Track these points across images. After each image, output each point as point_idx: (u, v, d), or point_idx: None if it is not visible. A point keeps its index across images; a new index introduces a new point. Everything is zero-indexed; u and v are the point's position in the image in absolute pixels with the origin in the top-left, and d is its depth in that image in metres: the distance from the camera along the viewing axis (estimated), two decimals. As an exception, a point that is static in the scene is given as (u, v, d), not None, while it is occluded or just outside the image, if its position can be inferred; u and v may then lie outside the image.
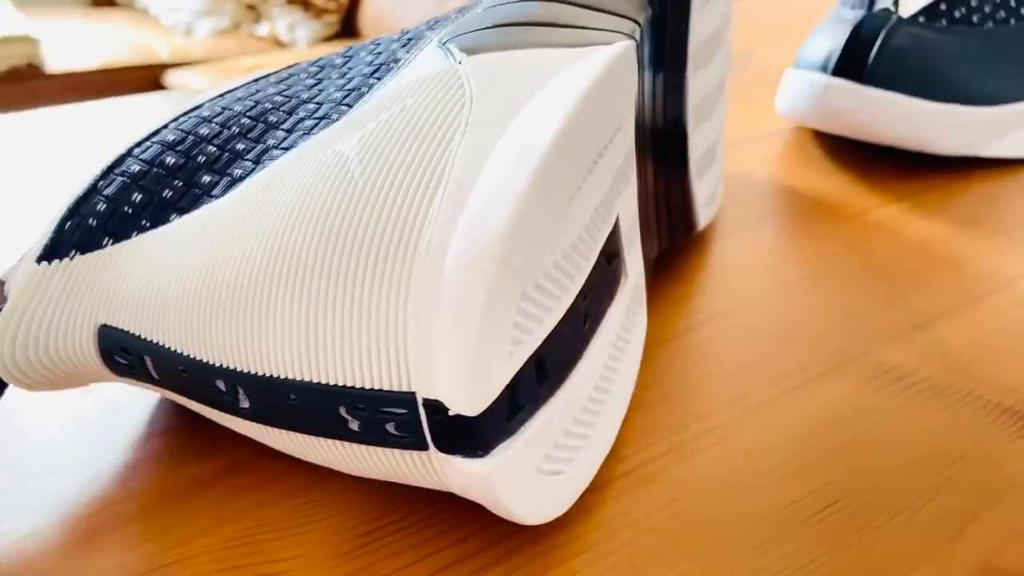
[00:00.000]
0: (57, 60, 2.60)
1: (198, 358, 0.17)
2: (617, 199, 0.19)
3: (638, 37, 0.21)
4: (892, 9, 0.35)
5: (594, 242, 0.18)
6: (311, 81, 0.23)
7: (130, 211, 0.20)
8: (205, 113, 0.22)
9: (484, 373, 0.14)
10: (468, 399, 0.14)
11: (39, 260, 0.19)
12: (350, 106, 0.20)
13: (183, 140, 0.21)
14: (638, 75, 0.22)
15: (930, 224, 0.32)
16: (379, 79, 0.21)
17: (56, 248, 0.19)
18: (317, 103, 0.21)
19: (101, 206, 0.20)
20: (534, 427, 0.16)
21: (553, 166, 0.15)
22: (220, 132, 0.21)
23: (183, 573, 0.17)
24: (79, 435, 0.21)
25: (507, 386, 0.15)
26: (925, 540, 0.18)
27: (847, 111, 0.35)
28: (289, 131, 0.21)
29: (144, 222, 0.19)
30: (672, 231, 0.27)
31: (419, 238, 0.15)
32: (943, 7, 0.35)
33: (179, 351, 0.17)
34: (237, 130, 0.21)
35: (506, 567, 0.18)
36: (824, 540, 0.18)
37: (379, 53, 0.23)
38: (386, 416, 0.15)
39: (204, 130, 0.21)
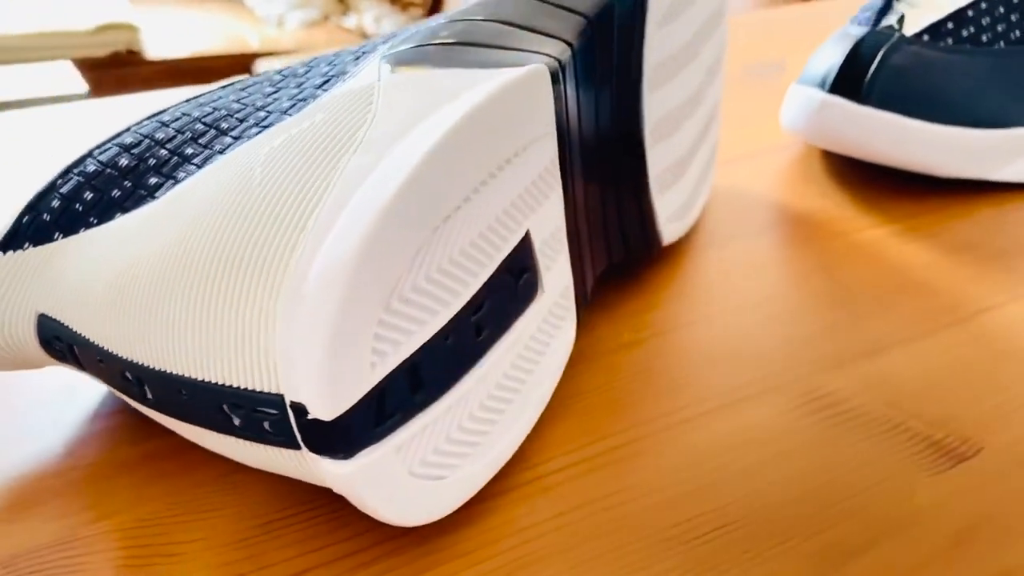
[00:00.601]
0: (155, 47, 2.72)
1: (110, 350, 0.19)
2: (527, 216, 0.20)
3: (566, 59, 0.21)
4: (896, 27, 0.35)
5: (487, 258, 0.19)
6: (269, 89, 0.24)
7: (81, 208, 0.21)
8: (165, 118, 0.23)
9: (338, 381, 0.15)
10: (323, 404, 0.15)
11: (-5, 250, 0.21)
12: (290, 116, 0.21)
13: (139, 143, 0.22)
14: (579, 92, 0.23)
15: (915, 248, 0.32)
16: (325, 91, 0.22)
17: (12, 239, 0.21)
18: (268, 111, 0.22)
19: (55, 203, 0.21)
20: (406, 433, 0.17)
21: (420, 186, 0.16)
22: (174, 137, 0.22)
23: (95, 547, 0.19)
24: (35, 413, 0.23)
25: (374, 393, 0.16)
26: (805, 570, 0.19)
27: (842, 130, 0.34)
28: (236, 137, 0.22)
29: (92, 219, 0.21)
30: (628, 245, 0.27)
31: (294, 249, 0.16)
32: (949, 26, 0.35)
33: (96, 343, 0.19)
34: (189, 135, 0.22)
35: (388, 563, 0.18)
36: (704, 562, 0.19)
37: (334, 64, 0.24)
38: (262, 415, 0.16)
39: (160, 134, 0.22)
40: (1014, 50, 0.34)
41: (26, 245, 0.21)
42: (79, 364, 0.20)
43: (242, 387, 0.16)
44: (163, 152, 0.22)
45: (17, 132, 0.43)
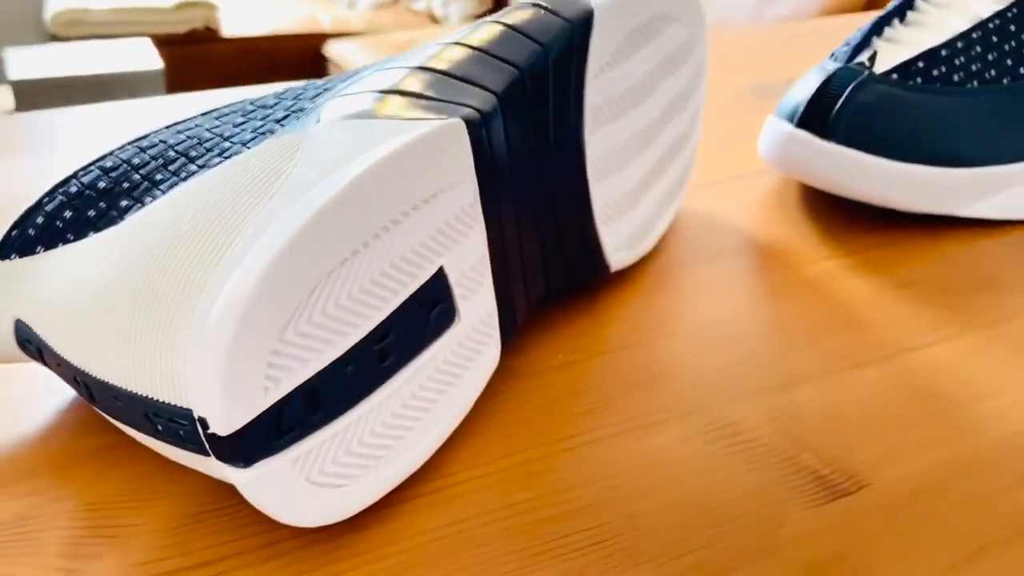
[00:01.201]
0: (231, 26, 2.80)
1: (64, 356, 0.22)
2: (440, 254, 0.22)
3: (491, 109, 0.23)
4: (867, 64, 0.36)
5: (392, 293, 0.21)
6: (240, 119, 0.27)
7: (60, 225, 0.24)
8: (144, 144, 0.26)
9: (232, 402, 0.18)
10: (219, 421, 0.18)
11: (-16, 260, 0.24)
12: (247, 148, 0.24)
13: (117, 167, 0.25)
14: (510, 137, 0.25)
15: (862, 283, 0.33)
16: (282, 126, 0.25)
17: (2, 250, 0.24)
18: (232, 142, 0.25)
19: (40, 219, 0.24)
20: (305, 447, 0.20)
21: (314, 236, 0.19)
22: (148, 163, 0.25)
23: (48, 524, 0.22)
24: (16, 403, 0.26)
25: (271, 412, 0.19)
26: (662, 587, 0.21)
27: (808, 163, 0.35)
28: (201, 166, 0.25)
29: (69, 236, 0.24)
30: (570, 272, 0.29)
31: (204, 287, 0.19)
32: (920, 64, 0.35)
33: (54, 348, 0.22)
34: (162, 162, 0.25)
35: (298, 555, 0.21)
36: (571, 573, 0.21)
37: (298, 99, 0.27)
38: (177, 425, 0.19)
39: (136, 160, 0.25)
40: (984, 89, 0.35)
41: (12, 256, 0.24)
42: (46, 364, 0.23)
43: (161, 400, 0.19)
44: (136, 177, 0.25)
45: (93, 125, 0.47)
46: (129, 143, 0.26)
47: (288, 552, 0.21)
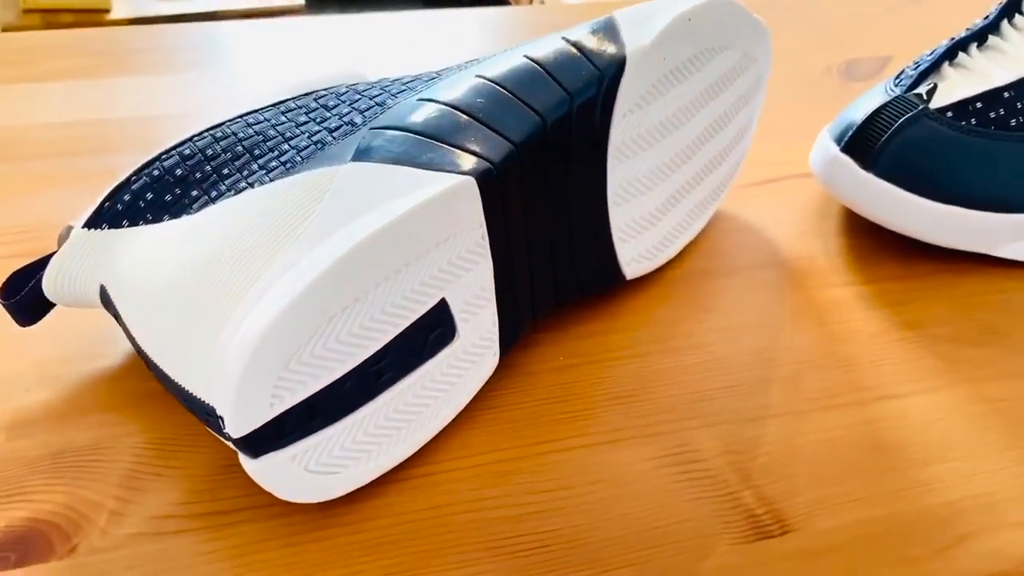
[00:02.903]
0: None
1: (130, 331, 0.26)
2: (443, 288, 0.26)
3: (505, 160, 0.26)
4: (924, 97, 0.36)
5: (392, 326, 0.25)
6: (303, 119, 0.30)
7: (143, 205, 0.29)
8: (218, 134, 0.30)
9: (242, 414, 0.22)
10: (232, 427, 0.22)
11: (83, 226, 0.29)
12: (295, 164, 0.28)
13: (193, 156, 0.29)
14: (529, 181, 0.27)
15: (872, 316, 0.35)
16: (335, 140, 0.28)
17: (95, 220, 0.29)
18: (291, 146, 0.29)
19: (127, 196, 0.29)
20: (303, 446, 0.24)
21: (317, 292, 0.22)
22: (219, 155, 0.29)
23: (114, 456, 0.27)
24: (99, 342, 0.32)
25: (274, 421, 0.23)
26: (583, 597, 0.25)
27: (847, 190, 0.36)
28: (261, 167, 0.28)
29: (148, 216, 0.28)
30: (583, 284, 0.32)
31: (233, 313, 0.23)
32: (978, 105, 0.35)
33: (124, 321, 0.27)
34: (230, 156, 0.29)
35: (295, 518, 0.26)
36: (512, 573, 0.25)
37: (353, 107, 0.30)
38: (215, 420, 0.24)
39: (209, 151, 0.29)
40: (1038, 139, 0.35)
41: (104, 226, 0.29)
42: (121, 327, 0.28)
43: (196, 394, 0.24)
44: (208, 168, 0.29)
45: (241, 42, 0.51)
46: (207, 130, 0.30)
47: (291, 513, 0.26)
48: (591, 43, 0.29)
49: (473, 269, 0.27)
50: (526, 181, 0.27)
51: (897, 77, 0.38)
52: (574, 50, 0.29)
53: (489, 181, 0.26)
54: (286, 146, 0.29)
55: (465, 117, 0.27)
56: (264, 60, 0.51)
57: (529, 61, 0.28)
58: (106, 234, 0.29)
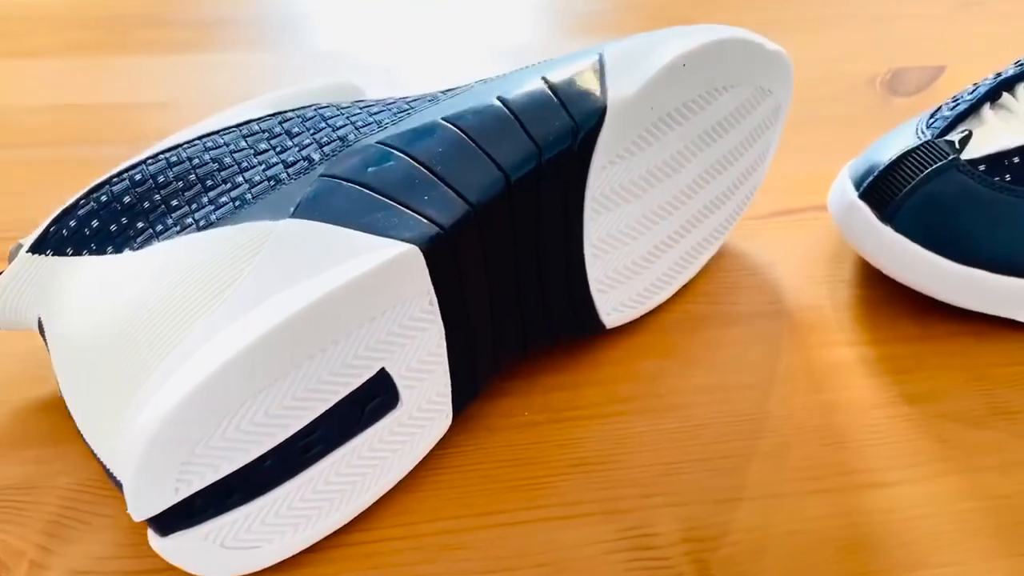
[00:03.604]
0: None
1: (57, 379, 0.25)
2: (382, 359, 0.24)
3: (459, 224, 0.24)
4: (956, 146, 0.32)
5: (321, 403, 0.23)
6: (263, 146, 0.28)
7: (88, 233, 0.27)
8: (173, 158, 0.28)
9: (141, 500, 0.21)
10: (132, 511, 0.21)
11: (28, 250, 0.28)
12: (244, 204, 0.26)
13: (144, 182, 0.27)
14: (491, 239, 0.25)
15: (874, 384, 0.32)
16: (288, 178, 0.26)
17: (40, 244, 0.28)
18: (245, 179, 0.27)
19: (73, 223, 0.27)
20: (218, 523, 0.23)
21: (239, 367, 0.20)
22: (171, 183, 0.27)
23: (42, 497, 0.26)
24: (39, 367, 0.30)
25: (183, 501, 0.22)
26: None
27: (862, 239, 0.33)
28: (211, 201, 0.27)
29: (93, 245, 0.27)
30: (554, 334, 0.30)
31: (145, 382, 0.21)
32: (1015, 160, 0.32)
33: (53, 366, 0.25)
34: (182, 185, 0.27)
35: None
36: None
37: (317, 135, 0.27)
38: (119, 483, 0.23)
39: (161, 177, 0.28)
40: (1081, 203, 0.31)
41: (48, 252, 0.27)
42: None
43: (103, 462, 0.23)
44: (157, 198, 0.27)
45: (255, 20, 0.49)
46: (163, 152, 0.29)
47: None
48: (570, 87, 0.26)
49: (419, 336, 0.25)
50: (487, 240, 0.25)
51: (932, 116, 0.34)
52: (550, 95, 0.26)
53: (438, 249, 0.23)
54: (240, 178, 0.27)
55: (421, 170, 0.25)
56: (283, 42, 0.49)
57: (500, 105, 0.26)
58: (50, 261, 0.27)
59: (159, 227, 0.26)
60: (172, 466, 0.21)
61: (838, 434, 0.30)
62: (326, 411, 0.23)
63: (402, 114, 0.27)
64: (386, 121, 0.27)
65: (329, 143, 0.27)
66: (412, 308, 0.24)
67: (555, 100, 0.26)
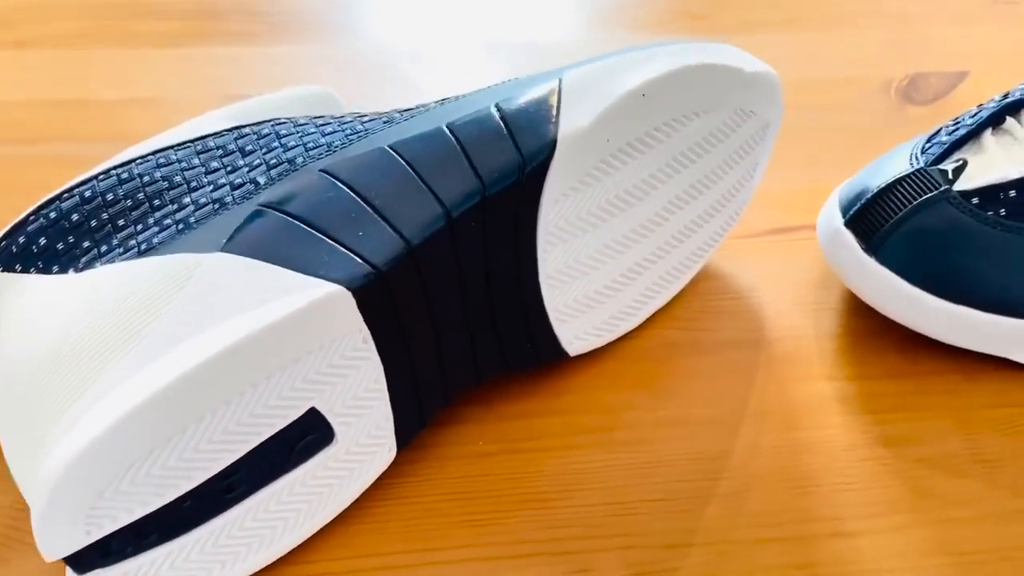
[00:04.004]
0: None
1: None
2: (311, 399, 0.23)
3: (394, 263, 0.23)
4: (949, 176, 0.30)
5: (242, 445, 0.22)
6: (215, 164, 0.28)
7: (35, 251, 0.27)
8: (124, 175, 0.28)
9: (50, 543, 0.21)
10: (45, 552, 0.21)
11: (-20, 264, 0.27)
12: (187, 228, 0.25)
13: (93, 199, 0.27)
14: (432, 275, 0.24)
15: (849, 424, 0.30)
16: (233, 202, 0.26)
17: (-11, 260, 0.27)
18: (192, 200, 0.26)
19: (22, 239, 0.27)
20: (137, 562, 0.22)
21: (147, 415, 0.20)
22: (119, 201, 0.27)
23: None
24: None
25: (98, 542, 0.21)
26: None
27: (847, 270, 0.32)
28: (156, 222, 0.26)
29: (40, 263, 0.27)
30: (511, 363, 0.29)
31: (55, 428, 0.21)
32: (1012, 193, 0.30)
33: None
34: (130, 204, 0.27)
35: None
36: None
37: (268, 154, 0.27)
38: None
39: (110, 195, 0.27)
40: (1081, 241, 0.29)
41: (-1, 267, 0.27)
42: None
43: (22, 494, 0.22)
44: (104, 216, 0.27)
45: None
46: (115, 168, 0.28)
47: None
48: (522, 116, 0.25)
49: (353, 374, 0.24)
50: (428, 275, 0.24)
51: (929, 140, 0.32)
52: (500, 125, 0.25)
53: (370, 289, 0.23)
54: (187, 199, 0.26)
55: (359, 203, 0.24)
56: (278, 35, 0.48)
57: (448, 134, 0.25)
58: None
59: (104, 247, 0.26)
60: (79, 511, 0.20)
61: (804, 477, 0.29)
62: (249, 452, 0.23)
63: (354, 136, 0.26)
64: (336, 143, 0.26)
65: (278, 165, 0.26)
66: (343, 347, 0.23)
67: (504, 131, 0.25)
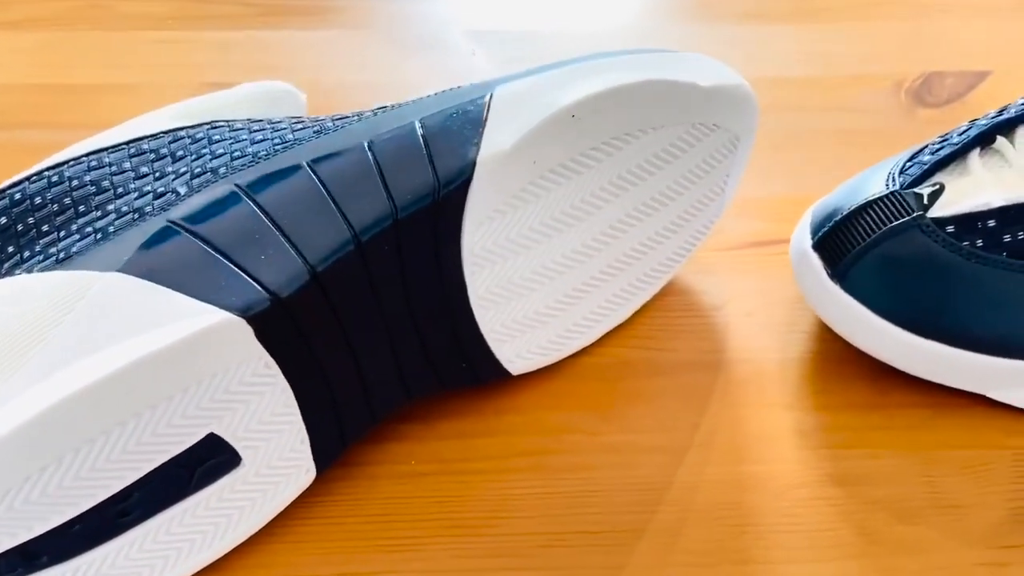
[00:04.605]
0: None
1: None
2: (207, 425, 0.23)
3: (296, 292, 0.22)
4: (925, 201, 0.28)
5: (132, 471, 0.22)
6: (144, 169, 0.27)
7: (-37, 253, 0.27)
8: (55, 177, 0.27)
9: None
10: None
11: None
12: (105, 236, 0.25)
13: (23, 202, 0.27)
14: (342, 301, 0.23)
15: (803, 457, 0.29)
16: (152, 212, 0.25)
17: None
18: (115, 208, 0.26)
19: (-49, 239, 0.27)
20: (27, 584, 0.22)
21: (18, 443, 0.20)
22: (47, 205, 0.26)
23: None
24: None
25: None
26: None
27: (813, 295, 0.30)
28: (78, 230, 0.26)
29: (-38, 266, 0.26)
30: (445, 382, 0.28)
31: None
32: (991, 223, 0.27)
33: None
34: (56, 208, 0.26)
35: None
36: None
37: (188, 172, 0.26)
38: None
39: (38, 199, 0.27)
40: (1062, 277, 0.27)
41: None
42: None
43: None
44: (31, 220, 0.26)
45: None
46: (48, 169, 0.28)
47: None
48: (444, 135, 0.24)
49: (256, 399, 0.23)
50: (338, 299, 0.23)
51: (911, 158, 0.30)
52: (421, 144, 0.24)
53: (269, 316, 0.22)
54: (111, 206, 0.26)
55: (266, 224, 0.23)
56: (276, 18, 0.47)
57: (366, 151, 0.24)
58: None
59: (26, 253, 0.26)
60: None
61: (746, 514, 0.27)
62: (142, 478, 0.22)
63: (280, 147, 0.26)
64: (262, 154, 0.25)
65: (201, 175, 0.26)
66: (241, 374, 0.22)
67: (423, 150, 0.23)
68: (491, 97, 0.24)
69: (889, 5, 0.47)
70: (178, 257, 0.23)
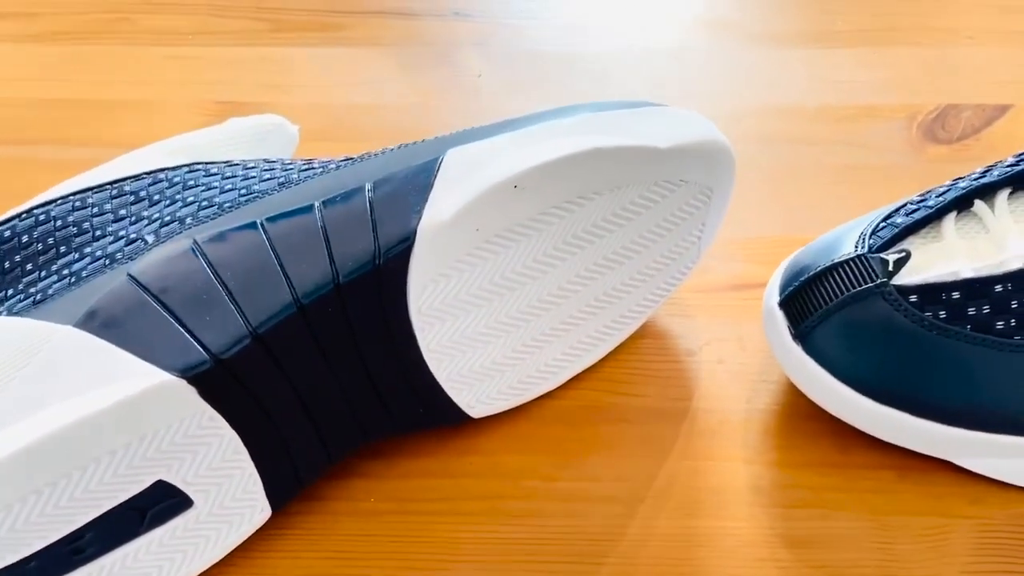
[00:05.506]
0: None
1: None
2: (154, 472, 0.24)
3: (238, 354, 0.23)
4: (890, 267, 0.28)
5: (81, 515, 0.23)
6: (123, 212, 0.28)
7: (-52, 290, 0.28)
8: (42, 216, 0.29)
9: None
10: None
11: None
12: (78, 280, 0.26)
13: (10, 240, 0.28)
14: (288, 359, 0.24)
15: (756, 516, 0.29)
16: (121, 259, 0.26)
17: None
18: (90, 251, 0.27)
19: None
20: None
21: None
22: (32, 244, 0.28)
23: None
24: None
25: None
26: None
27: (778, 352, 0.30)
28: (56, 271, 0.27)
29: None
30: (399, 426, 0.29)
31: None
32: (955, 295, 0.27)
33: None
34: (40, 248, 0.28)
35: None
36: None
37: (159, 219, 0.27)
38: None
39: (26, 237, 0.28)
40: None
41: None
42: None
43: None
44: (17, 259, 0.28)
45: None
46: (37, 207, 0.29)
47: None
48: (389, 201, 0.24)
49: (203, 449, 0.24)
50: (283, 359, 0.24)
51: (885, 219, 0.30)
52: (367, 208, 0.24)
53: (208, 378, 0.23)
54: (88, 249, 0.27)
55: (214, 284, 0.24)
56: (286, 32, 0.48)
57: (315, 213, 0.24)
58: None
59: (10, 291, 0.27)
60: None
61: (692, 572, 0.28)
62: (93, 520, 0.24)
63: (245, 199, 0.26)
64: (227, 205, 0.26)
65: (170, 223, 0.27)
66: (186, 427, 0.24)
67: (368, 215, 0.24)
68: (440, 162, 0.25)
69: (912, 31, 0.45)
70: (130, 314, 0.24)
